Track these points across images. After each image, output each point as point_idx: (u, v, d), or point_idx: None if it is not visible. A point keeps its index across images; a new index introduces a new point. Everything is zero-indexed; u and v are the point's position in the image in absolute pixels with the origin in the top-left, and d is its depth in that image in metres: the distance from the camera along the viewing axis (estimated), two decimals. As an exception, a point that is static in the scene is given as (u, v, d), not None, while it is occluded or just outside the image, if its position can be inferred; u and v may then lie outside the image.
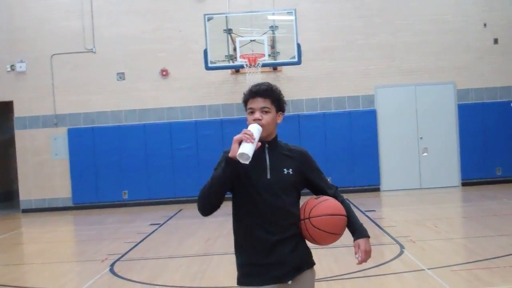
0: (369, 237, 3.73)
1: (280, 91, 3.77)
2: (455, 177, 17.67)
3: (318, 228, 3.58)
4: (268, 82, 3.75)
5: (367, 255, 3.66)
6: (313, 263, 3.71)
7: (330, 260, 8.54)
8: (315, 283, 3.77)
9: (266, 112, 3.61)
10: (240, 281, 3.53)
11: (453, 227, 11.16)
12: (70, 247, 12.19)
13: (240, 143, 3.38)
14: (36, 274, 9.39)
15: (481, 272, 7.43)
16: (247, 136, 3.36)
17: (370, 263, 7.80)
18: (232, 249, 3.75)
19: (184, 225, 13.38)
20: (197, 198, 3.58)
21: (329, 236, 3.62)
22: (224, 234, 11.54)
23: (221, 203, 3.53)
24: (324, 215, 3.58)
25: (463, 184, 17.52)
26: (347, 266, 8.17)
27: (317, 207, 3.61)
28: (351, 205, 3.91)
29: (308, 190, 3.92)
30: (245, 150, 3.34)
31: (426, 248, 9.13)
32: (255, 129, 3.46)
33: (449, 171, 17.65)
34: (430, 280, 7.21)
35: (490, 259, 8.10)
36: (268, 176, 3.58)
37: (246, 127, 3.60)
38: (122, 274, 8.48)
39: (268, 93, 3.62)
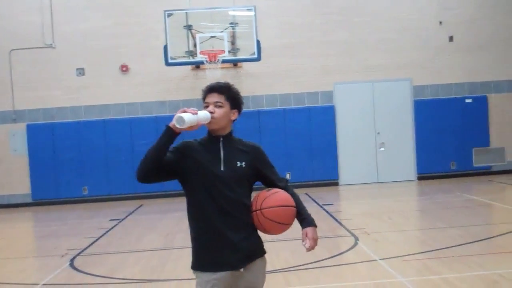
0: (316, 226, 3.94)
1: (238, 91, 3.97)
2: (411, 171, 18.12)
3: (269, 219, 3.77)
4: (228, 82, 3.94)
5: (314, 242, 3.87)
6: (264, 252, 3.90)
7: (287, 252, 8.76)
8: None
9: (219, 106, 3.80)
10: (194, 266, 3.71)
11: (407, 220, 11.52)
12: (29, 243, 12.22)
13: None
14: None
15: (431, 261, 7.75)
16: (191, 109, 3.56)
17: (325, 254, 8.16)
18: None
19: (144, 220, 13.52)
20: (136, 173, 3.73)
21: (280, 226, 3.82)
22: (183, 229, 11.60)
23: (155, 168, 3.67)
24: (274, 206, 3.77)
25: (419, 178, 17.99)
26: (303, 258, 8.37)
27: (268, 199, 3.80)
28: (303, 198, 4.12)
29: (260, 184, 4.11)
30: (183, 115, 3.54)
31: (379, 239, 9.44)
32: (202, 111, 3.64)
33: (405, 165, 18.09)
34: (381, 269, 7.50)
35: (439, 249, 8.43)
36: (222, 168, 3.75)
37: (205, 127, 3.82)
38: (82, 269, 8.59)
39: (223, 90, 3.83)
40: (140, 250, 9.96)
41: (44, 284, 7.77)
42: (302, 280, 7.24)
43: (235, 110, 3.93)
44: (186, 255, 8.49)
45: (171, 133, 3.61)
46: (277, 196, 3.83)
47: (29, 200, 17.46)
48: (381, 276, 7.24)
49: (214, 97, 3.82)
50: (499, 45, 18.18)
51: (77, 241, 10.87)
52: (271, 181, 3.95)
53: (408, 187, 16.87)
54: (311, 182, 17.53)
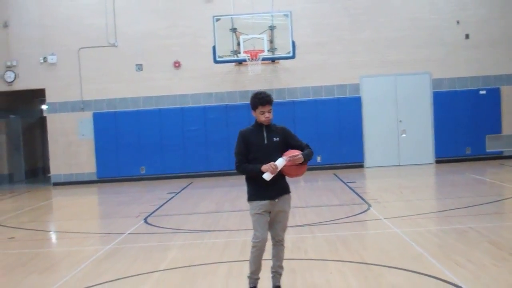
0: (305, 158, 5.93)
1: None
2: (430, 156, 20.24)
3: (289, 171, 6.04)
4: (269, 93, 6.14)
5: (294, 156, 5.84)
6: (289, 191, 6.21)
7: (312, 214, 11.21)
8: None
9: (270, 111, 6.07)
10: (250, 199, 6.10)
11: (414, 193, 13.79)
12: (105, 209, 14.85)
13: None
14: (86, 225, 12.09)
15: (422, 219, 10.10)
16: (272, 169, 5.78)
17: (342, 215, 10.56)
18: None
19: (196, 193, 16.05)
20: (236, 168, 6.02)
21: (288, 170, 6.00)
22: (229, 198, 14.26)
23: None
24: (289, 163, 5.99)
25: (437, 162, 20.10)
26: (323, 217, 10.83)
27: (286, 154, 6.06)
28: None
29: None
30: (267, 177, 5.80)
31: (387, 206, 11.81)
32: (280, 162, 5.86)
33: (425, 150, 20.21)
34: (383, 224, 9.88)
35: (432, 212, 10.81)
36: (266, 142, 6.11)
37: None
38: (155, 224, 11.18)
39: (272, 101, 6.10)
40: (197, 212, 12.52)
41: (129, 233, 10.34)
42: (322, 231, 9.64)
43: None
44: (233, 216, 11.14)
45: (259, 173, 5.85)
46: (286, 153, 6.07)
47: (94, 178, 20.19)
48: (382, 228, 9.64)
49: (268, 106, 6.04)
50: (511, 41, 20.08)
51: (144, 207, 13.45)
52: (295, 146, 6.20)
53: (425, 169, 18.99)
54: (339, 164, 19.85)
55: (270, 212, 6.07)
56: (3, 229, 11.71)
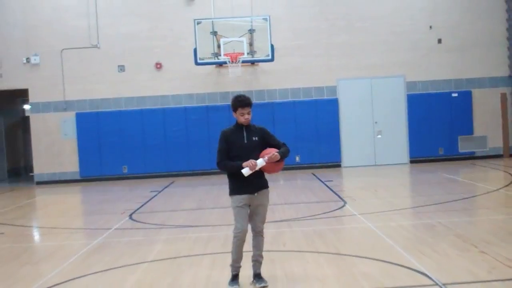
0: (280, 155, 6.45)
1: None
2: (404, 156, 20.91)
3: (268, 168, 6.58)
4: (248, 96, 6.67)
5: (270, 154, 6.38)
6: (267, 186, 6.72)
7: (291, 210, 11.76)
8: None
9: (249, 113, 6.60)
10: (231, 193, 6.60)
11: (388, 191, 14.40)
12: (90, 206, 15.21)
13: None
14: (73, 221, 12.51)
15: (394, 215, 10.69)
16: (252, 165, 6.29)
17: (319, 211, 11.10)
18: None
19: (178, 191, 16.53)
20: (217, 164, 6.51)
21: (269, 166, 6.53)
22: (211, 196, 14.77)
23: None
24: (267, 160, 6.53)
25: (411, 162, 20.79)
26: (302, 213, 11.38)
27: (262, 153, 6.59)
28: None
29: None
30: (246, 172, 6.31)
31: (362, 203, 12.39)
32: (260, 162, 6.39)
33: (399, 150, 20.87)
34: (358, 219, 10.46)
35: (403, 208, 11.42)
36: (245, 141, 6.64)
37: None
38: (140, 220, 11.65)
39: (251, 103, 6.63)
40: (180, 209, 13.01)
41: (115, 229, 10.80)
42: (300, 226, 10.17)
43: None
44: (216, 212, 11.65)
45: (239, 170, 6.35)
46: (264, 152, 6.61)
47: (77, 177, 20.54)
48: (356, 223, 10.22)
49: (248, 109, 6.58)
50: (482, 46, 20.82)
51: (129, 205, 13.89)
52: (273, 145, 6.74)
53: (400, 169, 19.66)
54: (317, 164, 20.43)
55: (250, 205, 6.59)
56: (-8, 226, 12.10)
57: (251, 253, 6.72)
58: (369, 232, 9.28)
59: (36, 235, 11.33)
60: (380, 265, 7.23)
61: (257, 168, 6.41)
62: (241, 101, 6.55)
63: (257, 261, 6.69)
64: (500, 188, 13.46)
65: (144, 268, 7.75)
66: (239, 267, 6.62)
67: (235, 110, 6.60)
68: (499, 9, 20.91)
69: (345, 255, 7.86)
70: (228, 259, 6.76)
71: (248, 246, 6.66)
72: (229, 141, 6.58)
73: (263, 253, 6.74)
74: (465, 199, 12.21)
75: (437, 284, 6.24)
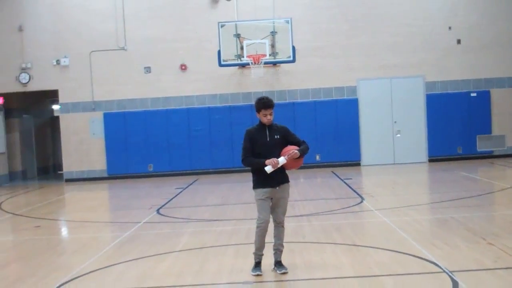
0: (300, 153, 6.98)
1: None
2: (423, 154, 21.30)
3: (288, 164, 7.14)
4: (271, 98, 7.21)
5: (291, 151, 6.93)
6: (288, 180, 7.28)
7: (311, 206, 12.30)
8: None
9: (271, 114, 7.15)
10: (254, 187, 7.17)
11: (405, 189, 14.90)
12: (118, 202, 15.87)
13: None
14: (104, 216, 13.19)
15: (409, 210, 11.18)
16: (274, 163, 6.86)
17: (337, 207, 11.62)
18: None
19: (202, 188, 17.14)
20: (242, 161, 7.07)
21: (289, 162, 7.09)
22: (234, 193, 15.37)
23: None
24: (288, 158, 7.08)
25: (430, 160, 21.17)
26: (321, 208, 11.91)
27: (283, 151, 7.16)
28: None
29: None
30: (268, 169, 6.87)
31: (379, 199, 12.89)
32: (281, 160, 6.94)
33: (418, 149, 21.26)
34: (374, 214, 10.97)
35: (418, 204, 11.90)
36: (268, 139, 7.20)
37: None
38: (167, 214, 12.27)
39: (273, 105, 7.19)
40: (205, 205, 13.62)
41: (145, 222, 11.43)
42: (319, 220, 10.71)
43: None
44: (239, 208, 12.23)
45: (263, 167, 6.92)
46: (285, 150, 7.17)
47: (105, 174, 21.27)
48: (372, 218, 10.74)
49: (270, 110, 7.14)
50: (501, 46, 21.14)
51: (155, 201, 14.52)
52: (294, 142, 7.28)
53: (419, 167, 20.05)
54: (337, 163, 20.92)
55: (272, 198, 7.15)
56: (28, 219, 12.80)
57: (273, 243, 7.27)
58: (384, 226, 9.79)
59: (70, 228, 11.99)
60: (393, 255, 7.74)
61: (278, 166, 6.96)
62: (264, 103, 7.10)
63: (278, 250, 7.25)
64: (515, 186, 13.88)
65: (173, 257, 8.34)
66: (262, 255, 7.18)
67: (258, 111, 7.16)
68: (517, 10, 21.23)
69: (360, 246, 8.39)
70: (251, 249, 7.31)
71: (269, 237, 7.20)
72: (253, 139, 7.14)
73: (284, 243, 7.29)
74: (479, 196, 12.64)
75: (444, 272, 6.74)
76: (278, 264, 7.20)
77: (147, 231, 10.59)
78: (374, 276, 6.83)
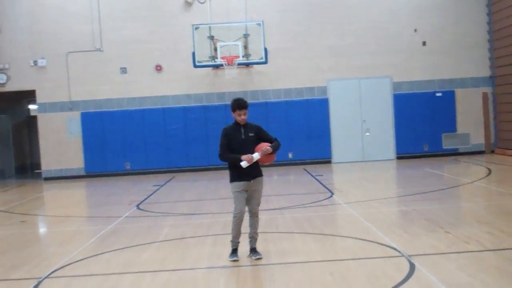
0: (273, 149, 7.74)
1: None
2: (391, 152, 22.14)
3: (261, 159, 7.83)
4: (245, 100, 7.88)
5: (264, 148, 7.63)
6: (262, 174, 7.96)
7: (283, 201, 13.02)
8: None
9: (245, 114, 7.81)
10: (231, 180, 7.83)
11: (372, 184, 15.69)
12: (99, 199, 16.36)
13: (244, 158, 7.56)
14: (85, 211, 13.73)
15: (375, 203, 11.95)
16: (249, 159, 7.51)
17: (308, 201, 12.34)
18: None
19: (179, 186, 17.75)
20: (219, 156, 7.75)
21: (263, 157, 7.76)
22: (210, 189, 16.01)
23: None
24: (261, 154, 7.78)
25: (398, 158, 22.02)
26: (292, 203, 12.63)
27: (256, 148, 7.83)
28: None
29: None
30: (244, 164, 7.54)
31: (348, 194, 13.65)
32: (256, 156, 7.62)
33: (386, 147, 22.10)
34: (342, 207, 11.72)
35: (384, 198, 12.68)
36: (243, 137, 7.87)
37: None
38: (146, 209, 12.88)
39: (247, 106, 7.85)
40: (183, 200, 14.26)
41: (126, 217, 12.03)
42: (291, 213, 11.40)
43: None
44: (215, 202, 12.89)
45: (238, 162, 7.57)
46: (258, 146, 7.84)
47: (82, 173, 21.74)
48: (340, 210, 11.50)
49: (244, 110, 7.81)
50: (465, 48, 22.09)
51: (134, 197, 15.09)
52: (266, 140, 7.96)
53: (387, 164, 20.83)
54: (309, 160, 21.67)
55: (247, 191, 7.83)
56: (12, 215, 13.31)
57: (248, 233, 7.94)
58: (351, 217, 10.54)
59: (54, 223, 12.50)
60: (357, 242, 8.48)
61: (253, 161, 7.64)
62: (238, 104, 7.78)
63: (253, 238, 7.93)
64: (475, 181, 14.74)
65: (155, 247, 8.98)
66: (238, 242, 7.86)
67: (233, 111, 7.84)
68: (480, 13, 22.13)
69: (328, 235, 9.12)
70: (228, 239, 7.99)
71: (245, 229, 7.87)
72: (229, 137, 7.82)
73: (258, 233, 7.97)
74: (441, 190, 13.47)
75: (403, 256, 7.48)
76: (253, 250, 7.88)
77: (128, 224, 11.20)
78: (340, 260, 7.56)
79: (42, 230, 11.33)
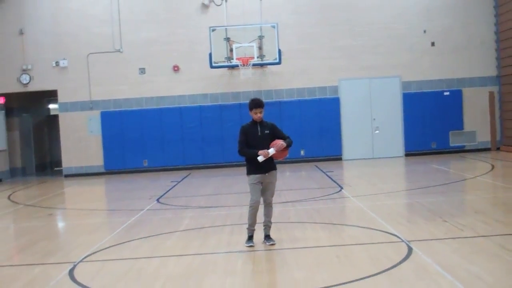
0: (287, 144, 8.59)
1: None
2: (400, 149, 22.86)
3: (275, 155, 8.62)
4: (261, 100, 8.67)
5: (279, 143, 8.49)
6: (276, 168, 8.75)
7: (295, 195, 13.81)
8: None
9: (261, 112, 8.61)
10: (248, 173, 8.60)
11: (380, 179, 16.41)
12: (120, 193, 17.16)
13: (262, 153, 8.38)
14: (108, 205, 14.57)
15: (383, 197, 12.71)
16: (265, 154, 8.32)
17: (319, 195, 13.12)
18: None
19: (196, 181, 18.58)
20: (238, 151, 8.53)
21: (277, 153, 8.56)
22: (225, 185, 16.83)
23: None
24: (276, 150, 8.58)
25: (406, 155, 22.74)
26: (304, 196, 13.41)
27: (271, 144, 8.62)
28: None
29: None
30: (260, 159, 8.34)
31: (356, 188, 14.42)
32: (271, 151, 8.40)
33: (395, 144, 22.82)
34: (351, 201, 12.48)
35: (391, 192, 13.43)
36: (259, 134, 8.65)
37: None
38: (166, 203, 13.71)
39: (263, 105, 8.63)
40: (200, 195, 15.07)
41: (147, 210, 12.86)
42: (302, 205, 12.17)
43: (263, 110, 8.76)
44: (231, 196, 13.72)
45: (255, 157, 8.39)
46: (273, 142, 8.63)
47: (102, 170, 22.64)
48: (348, 203, 12.27)
49: (260, 109, 8.60)
50: (472, 48, 22.77)
51: (154, 192, 15.93)
52: (280, 137, 8.74)
53: (395, 161, 21.57)
54: (320, 157, 22.44)
55: (262, 183, 8.62)
56: (39, 209, 14.19)
57: (263, 222, 8.73)
58: (358, 209, 11.31)
59: (81, 215, 13.34)
60: (362, 230, 9.25)
61: (269, 156, 8.43)
62: (255, 103, 8.58)
63: (267, 226, 8.72)
64: (477, 176, 15.45)
65: (177, 235, 9.81)
66: (254, 230, 8.65)
67: (250, 109, 8.63)
68: (487, 14, 22.79)
69: (336, 224, 9.90)
70: (244, 228, 8.78)
71: (259, 219, 8.66)
72: (247, 134, 8.61)
73: (272, 222, 8.76)
74: (445, 185, 14.19)
75: (403, 241, 8.25)
76: (267, 237, 8.67)
77: (151, 216, 12.04)
78: (345, 245, 8.35)
79: (69, 222, 12.19)
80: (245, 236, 8.71)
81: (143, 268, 7.77)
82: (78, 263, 8.20)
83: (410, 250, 7.71)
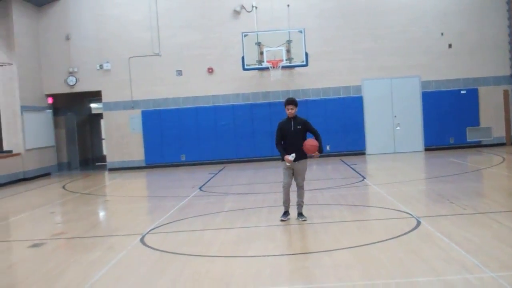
0: (321, 149, 10.36)
1: (296, 100, 10.47)
2: (420, 144, 24.40)
3: (305, 148, 10.33)
4: (294, 98, 10.41)
5: (313, 143, 10.27)
6: (306, 157, 10.47)
7: (322, 184, 15.53)
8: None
9: (292, 108, 10.33)
10: (282, 160, 10.35)
11: (399, 171, 18.08)
12: (164, 183, 19.00)
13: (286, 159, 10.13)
14: (156, 193, 16.43)
15: (400, 185, 14.37)
16: (288, 160, 10.06)
17: (342, 183, 14.85)
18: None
19: (231, 173, 20.37)
20: (275, 145, 10.30)
21: (308, 150, 10.29)
22: (258, 176, 18.60)
23: None
24: (307, 144, 10.28)
25: (426, 150, 24.28)
26: (331, 185, 15.11)
27: (306, 141, 10.35)
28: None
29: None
30: (287, 164, 10.09)
31: (377, 178, 16.12)
32: (292, 156, 10.11)
33: (415, 140, 24.37)
34: (372, 188, 14.18)
35: (408, 180, 15.09)
36: (292, 129, 10.38)
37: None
38: (208, 190, 15.52)
39: (293, 102, 10.37)
40: (237, 184, 16.86)
41: (193, 196, 14.67)
42: (329, 192, 13.88)
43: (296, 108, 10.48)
44: (264, 185, 15.60)
45: (282, 157, 10.14)
46: (308, 141, 10.35)
47: (143, 164, 24.55)
48: (369, 190, 13.96)
49: (291, 105, 10.34)
50: (487, 49, 24.22)
51: (195, 182, 17.74)
52: (312, 131, 10.48)
53: (415, 155, 23.13)
54: (345, 152, 24.09)
55: (293, 169, 10.35)
56: (94, 197, 16.11)
57: (296, 202, 10.47)
58: (377, 194, 13.00)
59: (135, 201, 15.19)
60: (380, 210, 10.97)
61: (291, 162, 10.06)
62: (287, 101, 10.36)
63: (299, 205, 10.47)
64: (488, 167, 17.03)
65: (223, 215, 11.60)
66: (288, 206, 10.42)
67: (285, 106, 10.39)
68: (501, 17, 24.23)
69: (358, 205, 11.63)
70: (281, 209, 10.54)
71: (293, 200, 10.41)
72: (282, 128, 10.36)
73: (304, 202, 10.50)
74: (457, 174, 15.81)
75: (413, 217, 9.94)
76: (300, 214, 10.43)
77: (197, 201, 13.85)
78: (365, 220, 10.10)
79: (126, 205, 14.03)
80: (281, 212, 10.47)
81: (200, 237, 9.58)
82: (145, 234, 10.01)
83: (418, 223, 9.40)
